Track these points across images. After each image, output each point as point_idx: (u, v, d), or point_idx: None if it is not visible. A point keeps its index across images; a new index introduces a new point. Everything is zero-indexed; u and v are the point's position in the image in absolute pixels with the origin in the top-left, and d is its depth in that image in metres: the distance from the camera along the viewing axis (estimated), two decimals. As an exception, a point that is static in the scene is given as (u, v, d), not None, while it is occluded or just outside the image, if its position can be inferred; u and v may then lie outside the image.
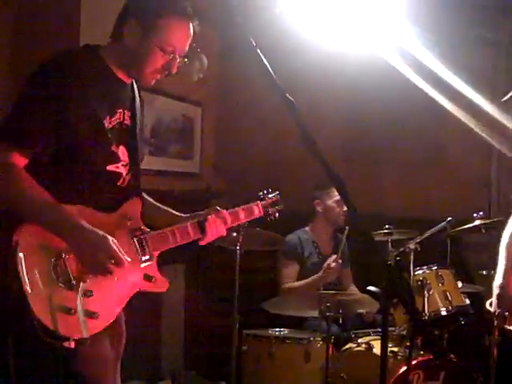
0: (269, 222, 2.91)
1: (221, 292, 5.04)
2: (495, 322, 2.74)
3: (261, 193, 2.87)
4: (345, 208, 4.42)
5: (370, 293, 1.89)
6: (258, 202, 2.76)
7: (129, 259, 2.05)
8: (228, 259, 3.91)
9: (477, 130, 4.56)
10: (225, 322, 3.98)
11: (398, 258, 1.59)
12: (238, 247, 3.80)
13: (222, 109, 5.70)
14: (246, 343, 3.83)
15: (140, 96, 2.40)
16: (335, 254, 4.35)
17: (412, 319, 2.82)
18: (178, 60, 2.19)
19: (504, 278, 2.76)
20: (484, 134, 4.54)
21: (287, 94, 1.80)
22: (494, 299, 2.77)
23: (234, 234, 3.76)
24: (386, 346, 1.61)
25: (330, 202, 4.55)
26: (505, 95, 4.29)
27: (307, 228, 4.67)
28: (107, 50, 2.21)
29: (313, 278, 4.31)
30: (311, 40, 4.33)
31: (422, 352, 3.64)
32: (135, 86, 2.36)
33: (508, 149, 4.49)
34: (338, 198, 4.42)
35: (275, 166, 5.19)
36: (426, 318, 3.76)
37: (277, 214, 2.87)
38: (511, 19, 4.68)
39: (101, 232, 2.00)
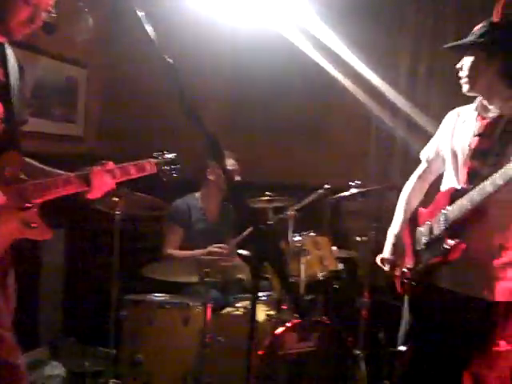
0: (159, 186, 2.88)
1: (101, 258, 4.98)
2: (386, 269, 2.87)
3: (156, 153, 2.86)
4: (237, 178, 4.47)
5: (240, 256, 1.92)
6: (150, 159, 2.75)
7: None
8: (108, 224, 3.85)
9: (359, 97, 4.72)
10: (105, 287, 3.94)
11: (269, 222, 1.63)
12: (117, 212, 3.75)
13: (110, 72, 5.55)
14: (125, 309, 3.80)
15: (16, 57, 2.36)
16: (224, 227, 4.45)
17: (281, 282, 2.92)
18: (43, 13, 2.17)
19: (400, 228, 2.89)
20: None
21: (166, 57, 1.77)
22: (387, 246, 2.90)
23: (115, 199, 3.72)
24: (255, 309, 1.66)
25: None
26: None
27: (197, 194, 4.67)
28: None
29: (194, 252, 4.30)
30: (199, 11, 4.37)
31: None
32: (6, 46, 2.31)
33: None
34: (230, 167, 4.44)
35: (164, 132, 5.13)
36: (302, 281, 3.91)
37: (174, 174, 2.85)
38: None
39: None
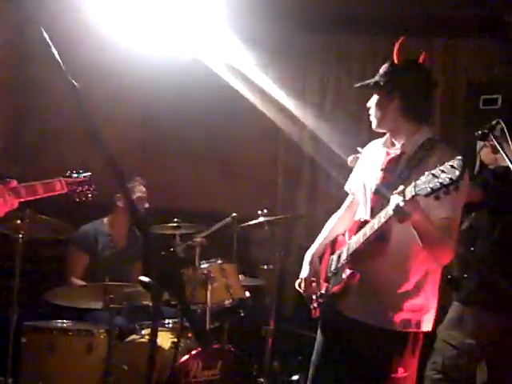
0: (66, 208, 2.80)
1: (1, 281, 4.80)
2: (302, 289, 2.91)
3: (69, 172, 2.79)
4: (146, 205, 4.44)
5: (141, 283, 1.86)
6: (61, 178, 2.68)
7: None
8: (10, 247, 3.73)
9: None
10: (3, 313, 3.79)
11: (171, 249, 1.64)
12: (20, 235, 3.65)
13: (15, 90, 5.41)
14: (24, 335, 3.68)
15: None
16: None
17: (181, 310, 2.90)
18: None
19: (317, 250, 2.94)
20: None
21: (70, 77, 1.75)
22: (304, 267, 2.93)
23: (18, 222, 3.61)
24: (155, 338, 1.64)
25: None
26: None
27: (105, 220, 4.59)
28: None
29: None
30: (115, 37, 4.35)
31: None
32: None
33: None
34: (140, 194, 4.41)
35: (71, 152, 5.03)
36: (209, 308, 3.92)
37: (89, 195, 2.79)
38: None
39: None
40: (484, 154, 3.38)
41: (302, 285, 2.92)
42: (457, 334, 3.37)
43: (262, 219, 4.23)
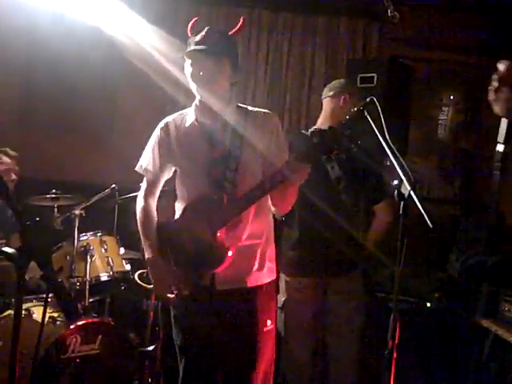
0: None
1: None
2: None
3: None
4: (14, 177, 4.28)
5: (4, 254, 1.77)
6: None
7: None
8: None
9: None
10: None
11: (37, 219, 1.60)
12: None
13: None
14: None
15: None
16: None
17: (45, 282, 2.82)
18: None
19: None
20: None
21: None
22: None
23: None
24: (20, 310, 1.60)
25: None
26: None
27: None
28: None
29: None
30: None
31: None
32: None
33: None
34: (5, 167, 4.24)
35: None
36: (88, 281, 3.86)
37: None
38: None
39: None
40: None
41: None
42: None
43: (143, 192, 4.17)
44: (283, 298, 3.44)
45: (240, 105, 2.75)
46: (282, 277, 3.47)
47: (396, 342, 2.34)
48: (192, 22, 2.71)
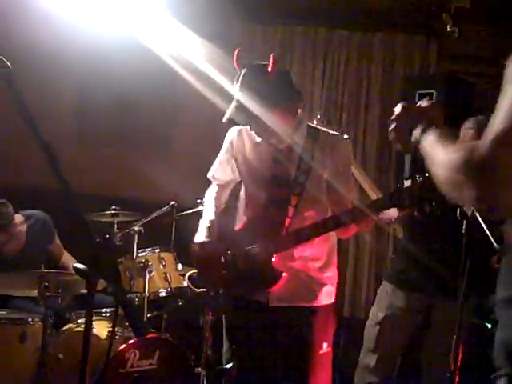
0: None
1: None
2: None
3: None
4: None
5: (76, 270, 1.80)
6: None
7: None
8: None
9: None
10: None
11: (106, 237, 1.62)
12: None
13: None
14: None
15: None
16: None
17: (115, 299, 2.85)
18: None
19: (215, 216, 2.92)
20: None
21: (2, 57, 1.68)
22: (201, 233, 2.89)
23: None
24: (91, 326, 1.63)
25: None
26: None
27: None
28: None
29: None
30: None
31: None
32: None
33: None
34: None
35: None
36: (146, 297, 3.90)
37: None
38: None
39: None
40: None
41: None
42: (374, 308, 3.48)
43: (200, 208, 4.21)
44: (382, 315, 3.40)
45: (311, 125, 2.72)
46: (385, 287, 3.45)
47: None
48: (236, 52, 2.62)
